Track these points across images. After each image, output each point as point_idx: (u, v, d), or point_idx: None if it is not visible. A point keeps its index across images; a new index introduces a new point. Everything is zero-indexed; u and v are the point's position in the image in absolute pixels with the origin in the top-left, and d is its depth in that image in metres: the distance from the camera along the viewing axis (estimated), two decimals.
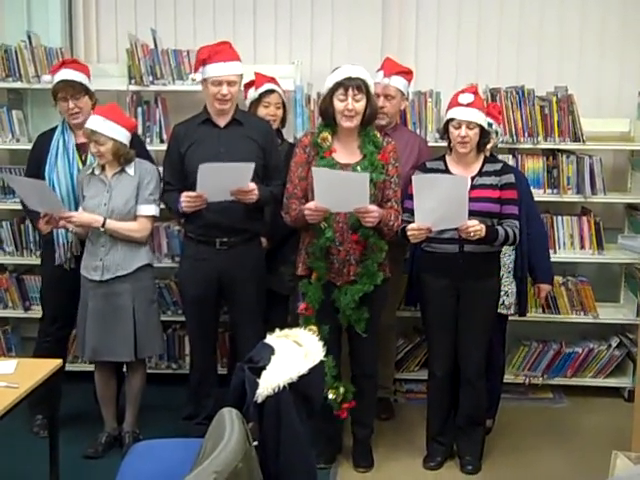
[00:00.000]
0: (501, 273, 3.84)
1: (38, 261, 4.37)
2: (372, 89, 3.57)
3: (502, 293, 3.89)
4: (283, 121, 4.24)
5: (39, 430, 4.01)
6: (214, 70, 3.65)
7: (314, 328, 3.37)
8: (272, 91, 4.14)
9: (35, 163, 4.01)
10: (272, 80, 4.19)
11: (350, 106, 3.48)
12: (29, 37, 4.62)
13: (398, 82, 4.10)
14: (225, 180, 3.49)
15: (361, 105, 3.50)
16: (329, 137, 3.58)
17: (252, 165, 3.48)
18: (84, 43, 5.03)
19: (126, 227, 3.73)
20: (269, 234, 4.03)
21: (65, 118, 4.00)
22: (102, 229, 3.68)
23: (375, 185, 3.50)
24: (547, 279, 4.22)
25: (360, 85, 3.48)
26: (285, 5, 5.00)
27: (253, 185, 3.57)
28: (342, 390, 3.65)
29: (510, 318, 4.12)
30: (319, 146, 3.58)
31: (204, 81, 3.70)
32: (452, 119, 3.59)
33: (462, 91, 3.65)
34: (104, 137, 3.64)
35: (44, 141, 4.03)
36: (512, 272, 4.01)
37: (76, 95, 3.91)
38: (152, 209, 3.78)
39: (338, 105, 3.51)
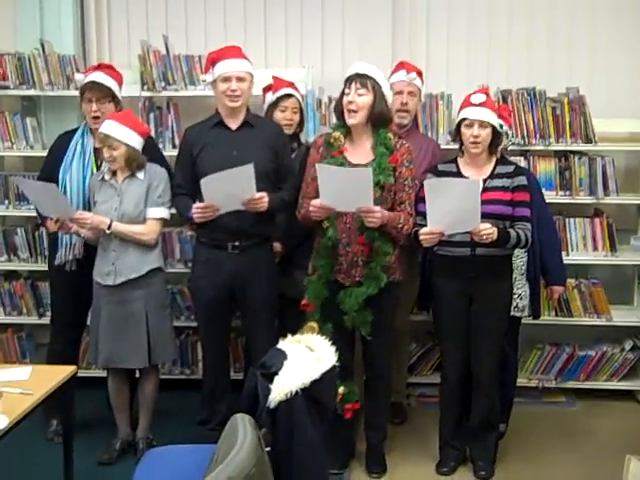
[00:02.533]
0: (514, 276, 3.82)
1: None
2: (385, 89, 3.53)
3: (515, 296, 3.87)
4: (301, 125, 4.25)
5: (53, 436, 4.04)
6: (223, 67, 3.67)
7: (314, 325, 3.27)
8: (290, 95, 4.15)
9: (51, 163, 3.99)
10: (291, 85, 4.21)
11: (351, 98, 3.46)
12: (42, 45, 4.66)
13: (417, 81, 4.17)
14: (230, 187, 3.48)
15: (363, 100, 3.47)
16: (341, 136, 3.56)
17: (251, 166, 3.43)
18: (96, 50, 5.09)
19: (133, 230, 3.72)
20: (284, 239, 4.04)
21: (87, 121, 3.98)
22: (108, 231, 3.69)
23: (384, 187, 3.47)
24: (560, 281, 4.20)
25: (365, 80, 3.46)
26: (296, 10, 5.02)
27: (262, 193, 3.57)
28: (341, 390, 3.57)
29: (523, 321, 4.09)
30: (331, 145, 3.57)
31: (214, 82, 3.72)
32: (464, 119, 3.58)
33: (474, 92, 3.64)
34: (117, 142, 3.66)
35: (63, 142, 4.00)
36: (525, 274, 4.00)
37: (101, 99, 3.89)
38: (161, 212, 3.79)
39: (344, 100, 3.51)
